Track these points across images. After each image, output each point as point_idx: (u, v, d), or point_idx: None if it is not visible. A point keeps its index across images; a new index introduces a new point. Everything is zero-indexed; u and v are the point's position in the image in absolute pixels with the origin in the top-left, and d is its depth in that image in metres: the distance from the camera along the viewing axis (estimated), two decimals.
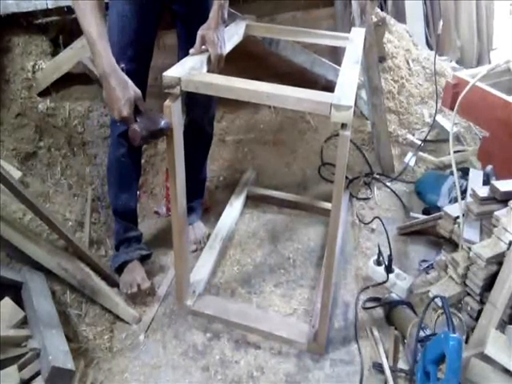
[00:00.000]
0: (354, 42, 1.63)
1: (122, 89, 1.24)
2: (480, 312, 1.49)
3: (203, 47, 1.41)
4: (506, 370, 1.25)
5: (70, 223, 1.92)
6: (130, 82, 1.27)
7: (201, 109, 1.76)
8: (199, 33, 1.40)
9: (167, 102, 1.28)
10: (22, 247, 1.55)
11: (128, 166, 1.71)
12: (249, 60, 2.49)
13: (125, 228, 1.78)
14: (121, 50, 1.48)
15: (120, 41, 1.50)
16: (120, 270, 1.75)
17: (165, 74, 1.26)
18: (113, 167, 1.72)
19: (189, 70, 1.29)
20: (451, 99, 2.27)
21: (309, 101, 1.19)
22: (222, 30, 1.44)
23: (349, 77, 1.31)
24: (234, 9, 2.14)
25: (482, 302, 1.52)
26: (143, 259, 1.81)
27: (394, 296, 1.68)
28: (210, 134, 1.90)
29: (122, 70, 1.53)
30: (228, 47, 1.48)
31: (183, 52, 1.50)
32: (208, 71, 1.39)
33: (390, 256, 1.76)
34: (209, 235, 1.97)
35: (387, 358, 1.50)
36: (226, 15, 1.47)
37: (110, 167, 1.75)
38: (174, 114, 1.29)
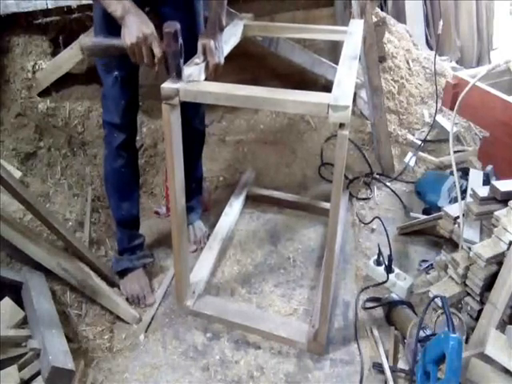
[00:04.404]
0: (352, 35, 1.62)
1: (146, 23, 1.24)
2: (480, 312, 1.48)
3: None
4: (506, 370, 1.25)
5: (70, 223, 1.92)
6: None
7: (192, 109, 1.75)
8: (200, 42, 1.39)
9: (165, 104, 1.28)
10: (21, 247, 1.55)
11: (127, 175, 1.68)
12: (248, 60, 2.49)
13: (128, 237, 1.77)
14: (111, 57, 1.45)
15: None
16: (122, 273, 1.76)
17: (163, 85, 1.25)
18: (111, 179, 1.69)
19: (187, 80, 1.29)
20: (451, 99, 2.27)
21: (306, 103, 1.19)
22: (221, 37, 1.44)
23: (346, 75, 1.31)
24: (234, 8, 2.14)
25: (481, 302, 1.52)
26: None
27: (394, 296, 1.68)
28: (203, 132, 1.89)
29: (116, 77, 1.49)
30: (226, 50, 1.49)
31: None
32: (206, 79, 1.39)
33: (389, 256, 1.76)
34: (209, 235, 1.97)
35: (387, 358, 1.50)
36: (224, 22, 1.47)
37: (108, 179, 1.71)
38: (172, 121, 1.29)
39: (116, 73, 1.49)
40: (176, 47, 1.23)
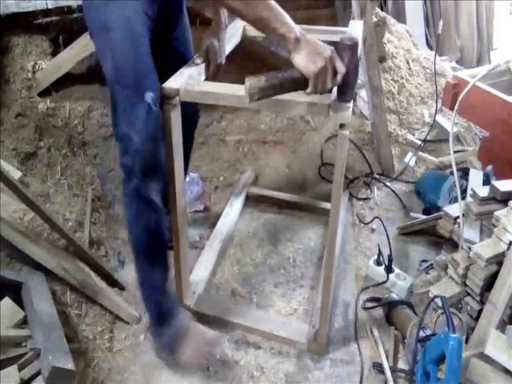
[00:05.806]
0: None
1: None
2: (480, 312, 1.48)
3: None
4: (506, 370, 1.25)
5: (70, 223, 1.92)
6: None
7: (189, 105, 1.71)
8: (204, 41, 1.39)
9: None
10: (21, 247, 1.54)
11: (161, 231, 1.31)
12: (248, 60, 2.49)
13: (166, 312, 1.43)
14: (142, 76, 1.23)
15: (139, 66, 1.24)
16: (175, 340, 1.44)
17: (164, 85, 1.25)
18: (143, 242, 1.30)
19: (187, 80, 1.28)
20: (451, 99, 2.27)
21: (306, 103, 1.19)
22: (224, 37, 1.44)
23: None
24: None
25: (482, 302, 1.52)
26: None
27: (394, 296, 1.68)
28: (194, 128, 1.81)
29: (150, 103, 1.21)
30: (227, 50, 1.49)
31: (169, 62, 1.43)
32: (206, 79, 1.39)
33: (390, 256, 1.76)
34: (209, 236, 1.97)
35: (387, 358, 1.50)
36: (226, 21, 1.47)
37: (137, 242, 1.32)
38: (172, 121, 1.29)
39: (151, 94, 1.19)
40: (357, 61, 1.12)
